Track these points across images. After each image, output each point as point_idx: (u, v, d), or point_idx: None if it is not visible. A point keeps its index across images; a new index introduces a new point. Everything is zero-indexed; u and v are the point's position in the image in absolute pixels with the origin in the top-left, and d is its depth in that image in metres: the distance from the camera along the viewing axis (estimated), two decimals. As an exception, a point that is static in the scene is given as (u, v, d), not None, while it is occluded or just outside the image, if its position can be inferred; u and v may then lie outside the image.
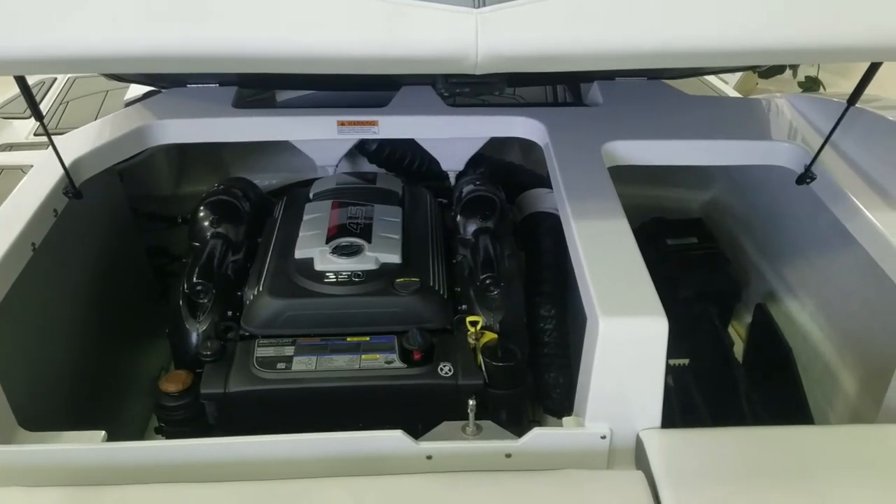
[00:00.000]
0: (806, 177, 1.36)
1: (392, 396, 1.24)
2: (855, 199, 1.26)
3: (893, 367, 1.18)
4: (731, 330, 1.90)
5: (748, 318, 1.84)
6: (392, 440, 1.06)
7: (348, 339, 1.30)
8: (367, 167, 1.86)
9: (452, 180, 1.76)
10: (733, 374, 1.50)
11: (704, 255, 1.77)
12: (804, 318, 1.67)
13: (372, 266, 1.34)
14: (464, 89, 1.12)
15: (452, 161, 1.71)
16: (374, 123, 1.55)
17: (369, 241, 1.38)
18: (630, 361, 1.04)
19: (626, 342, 1.04)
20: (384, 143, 1.75)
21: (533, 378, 1.57)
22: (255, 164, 2.00)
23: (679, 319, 1.80)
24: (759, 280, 1.84)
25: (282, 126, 1.55)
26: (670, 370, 1.80)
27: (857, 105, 1.27)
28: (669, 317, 1.82)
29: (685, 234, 1.84)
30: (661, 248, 1.81)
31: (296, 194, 1.61)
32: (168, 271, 1.87)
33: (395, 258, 1.36)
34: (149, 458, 1.05)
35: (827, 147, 1.35)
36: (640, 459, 1.06)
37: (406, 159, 1.78)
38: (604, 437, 1.07)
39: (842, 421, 1.49)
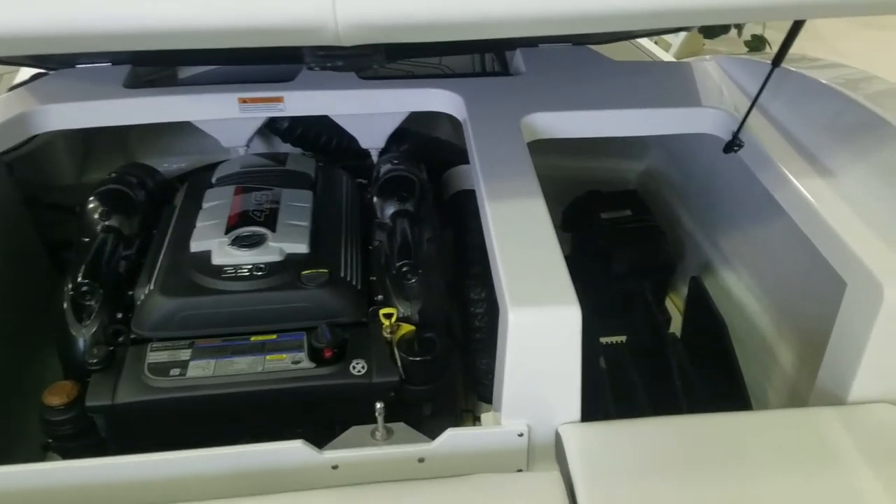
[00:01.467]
0: (734, 144, 1.30)
1: (300, 400, 1.14)
2: (783, 168, 1.20)
3: (829, 341, 1.13)
4: (669, 303, 1.85)
5: (686, 291, 1.79)
6: (292, 451, 0.97)
7: (252, 338, 1.19)
8: (285, 147, 1.74)
9: (374, 159, 1.65)
10: (666, 353, 1.44)
11: (638, 229, 1.70)
12: (740, 289, 1.62)
13: (276, 257, 1.23)
14: (336, 63, 1.01)
15: (371, 138, 1.60)
16: (279, 100, 1.42)
17: (273, 230, 1.27)
18: (543, 354, 0.97)
19: (538, 333, 0.96)
20: (296, 121, 1.63)
21: (465, 365, 1.50)
22: (163, 146, 1.86)
23: (614, 296, 1.77)
24: (696, 251, 1.79)
25: (177, 106, 1.42)
26: (606, 349, 1.76)
27: (785, 66, 1.20)
28: (604, 293, 1.78)
29: (619, 206, 1.77)
30: (595, 222, 1.73)
31: (198, 180, 1.49)
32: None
33: (301, 247, 1.26)
34: (11, 484, 0.94)
35: (755, 112, 1.29)
36: (560, 456, 0.99)
37: (322, 137, 1.66)
38: (521, 435, 1.00)
39: (779, 397, 1.45)
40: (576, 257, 1.85)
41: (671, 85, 1.48)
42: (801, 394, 1.38)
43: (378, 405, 1.01)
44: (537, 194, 1.13)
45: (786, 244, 1.44)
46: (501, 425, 1.00)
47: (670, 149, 1.93)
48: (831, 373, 1.09)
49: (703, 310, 1.55)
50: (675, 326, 1.74)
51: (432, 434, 1.00)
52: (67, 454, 1.17)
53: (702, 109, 1.38)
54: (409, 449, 0.99)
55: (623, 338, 1.71)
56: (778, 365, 1.46)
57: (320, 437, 1.21)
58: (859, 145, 1.17)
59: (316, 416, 1.18)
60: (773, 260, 1.52)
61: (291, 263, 1.23)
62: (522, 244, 1.05)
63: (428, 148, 1.73)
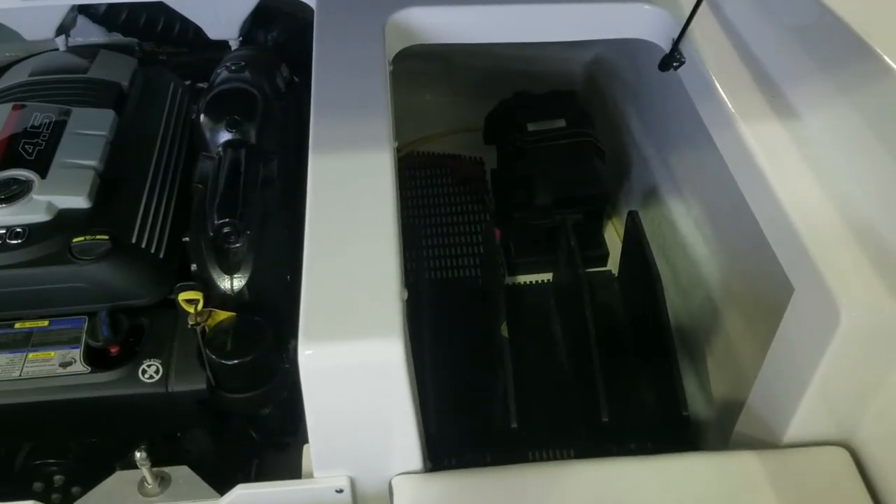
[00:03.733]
0: (672, 59, 0.94)
1: (76, 413, 0.87)
2: (728, 102, 0.85)
3: (781, 311, 0.84)
4: (612, 230, 1.54)
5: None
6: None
7: (17, 325, 0.89)
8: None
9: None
10: (584, 314, 1.16)
11: (570, 147, 1.36)
12: (688, 225, 1.31)
13: (41, 217, 0.90)
14: None
15: (220, 27, 1.22)
16: None
17: (43, 176, 0.93)
18: (359, 396, 0.68)
19: (345, 374, 0.66)
20: (119, 5, 1.23)
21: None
22: None
23: (539, 229, 1.45)
24: (643, 169, 1.45)
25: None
26: (532, 288, 1.48)
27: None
28: (526, 225, 1.46)
29: (552, 113, 1.41)
30: (520, 136, 1.38)
31: None
32: None
33: (79, 201, 0.92)
34: None
35: (706, 13, 0.91)
36: (398, 515, 0.73)
37: (158, 24, 1.26)
38: (340, 491, 0.73)
39: (720, 370, 1.18)
40: (499, 177, 1.52)
41: None
42: (745, 370, 1.11)
43: (138, 454, 0.73)
44: (385, 155, 0.79)
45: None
46: (313, 479, 0.73)
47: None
48: (766, 396, 0.81)
49: (637, 254, 1.26)
50: (615, 261, 1.45)
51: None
52: None
53: (634, 6, 1.00)
54: (185, 511, 0.73)
55: (549, 276, 1.43)
56: (722, 329, 1.18)
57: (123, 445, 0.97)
58: (836, 80, 0.81)
59: (101, 429, 0.91)
60: (731, 195, 1.19)
61: (63, 225, 0.90)
62: (344, 237, 0.72)
63: (306, 38, 1.34)
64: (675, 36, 0.94)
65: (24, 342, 0.88)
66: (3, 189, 0.91)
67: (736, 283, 1.17)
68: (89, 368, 0.86)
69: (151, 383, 0.86)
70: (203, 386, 0.87)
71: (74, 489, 0.92)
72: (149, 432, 0.93)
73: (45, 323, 0.90)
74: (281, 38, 1.32)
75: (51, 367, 0.86)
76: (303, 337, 0.65)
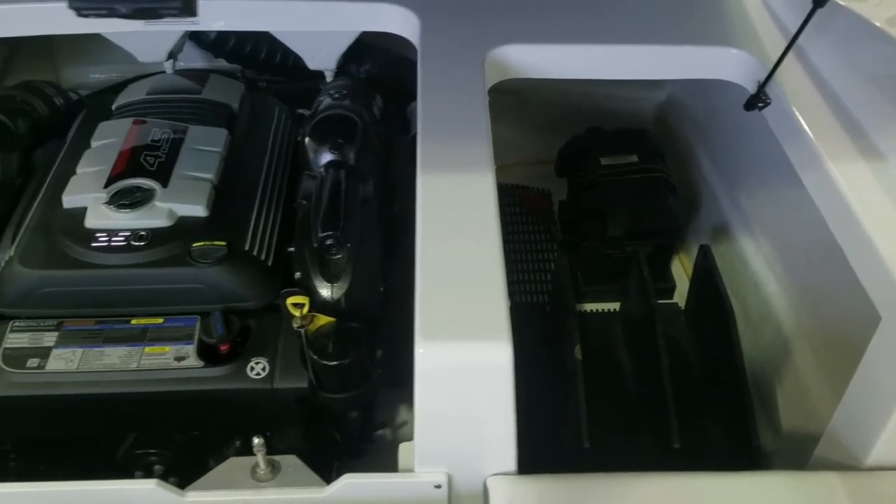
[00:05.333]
0: (758, 100, 0.98)
1: (183, 405, 0.93)
2: (816, 143, 0.89)
3: (858, 346, 0.86)
4: (678, 265, 1.57)
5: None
6: (146, 493, 0.77)
7: (133, 321, 0.96)
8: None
9: (329, 80, 1.36)
10: (656, 343, 1.19)
11: (643, 181, 1.41)
12: (758, 262, 1.34)
13: (162, 222, 0.98)
14: (116, 8, 0.70)
15: (319, 58, 1.31)
16: None
17: (164, 185, 1.01)
18: (464, 397, 0.73)
19: (455, 374, 0.71)
20: (227, 33, 1.33)
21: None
22: (91, 51, 1.58)
23: (609, 260, 1.50)
24: (713, 207, 1.49)
25: (55, 17, 1.12)
26: (596, 317, 1.51)
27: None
28: (596, 255, 1.50)
29: (625, 149, 1.46)
30: (593, 169, 1.44)
31: (97, 106, 1.21)
32: None
33: (198, 210, 1.00)
34: None
35: (792, 58, 0.96)
36: (489, 514, 0.77)
37: (261, 52, 1.36)
38: (439, 487, 0.78)
39: (788, 401, 1.20)
40: (569, 209, 1.57)
41: (687, 13, 1.13)
42: (816, 406, 1.12)
43: (256, 440, 0.79)
44: (487, 176, 0.85)
45: (821, 217, 1.15)
46: (414, 473, 0.78)
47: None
48: (848, 422, 0.83)
49: (709, 288, 1.29)
50: (682, 295, 1.48)
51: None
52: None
53: (721, 50, 1.05)
54: (296, 495, 0.78)
55: (615, 306, 1.46)
56: (792, 365, 1.20)
57: (220, 439, 1.03)
58: None
59: (205, 422, 0.98)
60: (803, 233, 1.22)
61: (183, 231, 0.98)
62: (453, 248, 0.78)
63: (395, 71, 1.42)
64: (760, 78, 0.99)
65: (141, 337, 0.95)
66: (128, 195, 0.99)
67: (807, 318, 1.19)
68: (202, 363, 0.92)
69: (258, 380, 0.92)
70: (305, 385, 0.93)
71: (172, 479, 0.98)
72: (248, 427, 0.99)
73: (160, 320, 0.97)
74: (373, 71, 1.40)
75: (166, 361, 0.93)
76: (420, 337, 0.70)
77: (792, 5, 1.11)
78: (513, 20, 1.08)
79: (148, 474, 1.00)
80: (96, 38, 1.51)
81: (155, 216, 0.98)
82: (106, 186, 1.00)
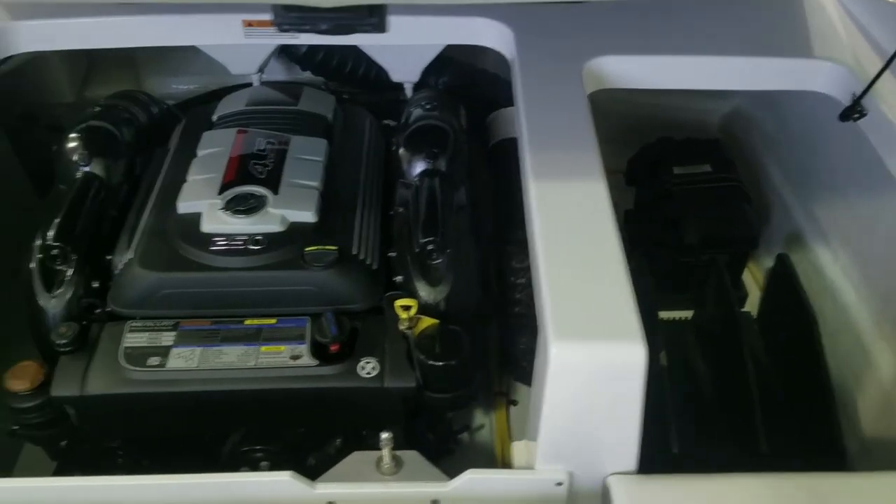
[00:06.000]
0: (854, 111, 1.00)
1: (298, 402, 0.97)
2: None
3: None
4: (747, 275, 1.59)
5: (769, 262, 1.53)
6: (281, 484, 0.80)
7: (247, 322, 1.01)
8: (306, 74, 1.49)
9: (408, 93, 1.40)
10: (741, 349, 1.21)
11: (718, 190, 1.43)
12: (835, 272, 1.35)
13: (276, 227, 1.02)
14: (318, 25, 0.75)
15: (403, 71, 1.35)
16: None
17: (275, 192, 1.06)
18: (594, 397, 0.75)
19: (588, 374, 0.74)
20: (317, 45, 1.38)
21: (501, 342, 1.30)
22: (171, 62, 1.64)
23: (684, 268, 1.51)
24: (785, 217, 1.50)
25: (174, 28, 1.18)
26: (667, 327, 1.53)
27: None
28: (670, 263, 1.52)
29: (697, 159, 1.49)
30: (666, 178, 1.46)
31: (197, 117, 1.27)
32: None
33: (308, 216, 1.04)
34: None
35: (887, 71, 0.98)
36: (609, 511, 0.80)
37: (347, 65, 1.41)
38: (560, 484, 0.80)
39: (871, 410, 1.21)
40: (639, 217, 1.59)
41: (777, 26, 1.16)
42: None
43: (384, 435, 0.82)
44: (599, 177, 0.88)
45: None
46: (535, 470, 0.81)
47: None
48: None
49: (789, 296, 1.30)
50: (752, 304, 1.49)
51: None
52: (36, 442, 1.04)
53: (815, 62, 1.07)
54: (421, 489, 0.81)
55: (689, 314, 1.48)
56: (874, 372, 1.21)
57: (321, 436, 1.07)
58: None
59: (315, 419, 1.02)
60: (882, 242, 1.24)
61: (295, 236, 1.02)
62: (576, 249, 0.81)
63: (472, 83, 1.46)
64: (854, 90, 1.02)
65: (256, 337, 0.99)
66: (243, 202, 1.04)
67: (891, 327, 1.21)
68: (317, 362, 0.96)
69: (369, 378, 0.95)
70: (413, 384, 0.96)
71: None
72: (355, 425, 1.02)
73: (273, 321, 1.01)
74: (452, 83, 1.44)
75: (282, 359, 0.96)
76: (553, 337, 0.73)
77: (876, 13, 1.14)
78: (607, 32, 1.11)
79: (254, 470, 1.04)
80: (178, 50, 1.58)
81: (269, 222, 1.02)
82: (220, 193, 1.05)
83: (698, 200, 1.41)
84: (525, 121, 0.98)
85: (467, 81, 1.46)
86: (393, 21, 1.17)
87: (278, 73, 1.56)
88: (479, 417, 1.27)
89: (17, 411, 0.97)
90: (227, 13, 1.17)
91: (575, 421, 0.77)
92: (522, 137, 0.97)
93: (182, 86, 1.62)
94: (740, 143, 1.67)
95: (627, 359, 0.72)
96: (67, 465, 1.08)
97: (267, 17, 1.17)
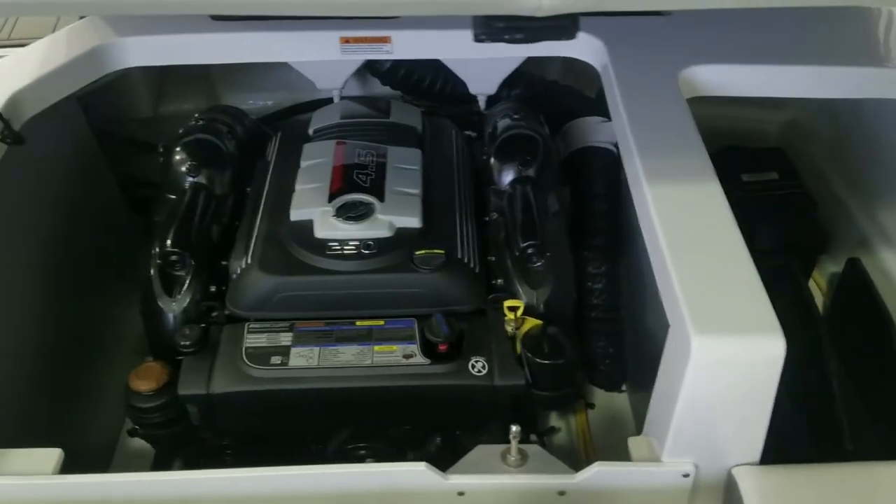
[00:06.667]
0: None
1: (412, 399, 1.01)
2: None
3: None
4: (811, 284, 1.62)
5: (831, 269, 1.56)
6: (414, 474, 0.84)
7: (357, 323, 1.05)
8: (381, 88, 1.55)
9: (482, 105, 1.45)
10: (820, 350, 1.24)
11: (787, 196, 1.47)
12: (905, 276, 1.39)
13: (385, 233, 1.07)
14: (515, 35, 0.80)
15: (482, 83, 1.40)
16: (385, 40, 1.23)
17: (381, 199, 1.10)
18: (729, 390, 0.79)
19: (727, 367, 0.78)
20: (400, 61, 1.43)
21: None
22: (247, 78, 1.69)
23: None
24: (849, 226, 1.54)
25: (272, 45, 1.24)
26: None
27: None
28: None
29: (763, 167, 1.53)
30: (735, 185, 1.50)
31: (292, 129, 1.32)
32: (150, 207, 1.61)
33: (413, 222, 1.09)
34: (111, 495, 0.85)
35: None
36: (730, 500, 0.83)
37: (426, 80, 1.46)
38: (686, 476, 0.84)
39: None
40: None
41: (871, 36, 1.20)
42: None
43: (514, 427, 0.86)
44: (712, 177, 0.93)
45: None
46: (663, 462, 0.84)
47: (823, 98, 1.65)
48: None
49: (861, 300, 1.34)
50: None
51: None
52: (155, 441, 1.08)
53: None
54: (549, 480, 0.85)
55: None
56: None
57: (423, 434, 1.10)
58: None
59: (425, 415, 1.05)
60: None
61: (403, 241, 1.07)
62: (700, 247, 0.85)
63: (545, 94, 1.51)
64: None
65: (368, 337, 1.03)
66: (353, 209, 1.09)
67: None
68: (429, 360, 1.00)
69: (480, 377, 0.99)
70: (522, 382, 1.00)
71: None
72: (458, 422, 1.06)
73: (381, 322, 1.05)
74: (525, 94, 1.49)
75: (396, 358, 1.01)
76: (694, 331, 0.77)
77: None
78: (697, 42, 1.16)
79: (359, 467, 1.08)
80: (255, 67, 1.64)
81: (378, 227, 1.07)
82: (330, 201, 1.10)
83: (769, 207, 1.45)
84: (629, 128, 1.02)
85: (538, 93, 1.51)
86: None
87: (355, 89, 1.61)
88: (553, 420, 1.31)
89: (140, 411, 1.02)
90: (325, 30, 1.22)
91: (707, 414, 0.80)
92: (627, 143, 1.01)
93: (258, 102, 1.67)
94: (798, 152, 1.71)
95: (767, 352, 0.76)
96: (167, 462, 1.13)
97: (363, 33, 1.23)
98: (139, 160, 1.58)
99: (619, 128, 1.05)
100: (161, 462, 1.16)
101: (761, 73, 1.11)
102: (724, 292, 0.80)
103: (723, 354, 0.77)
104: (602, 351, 1.30)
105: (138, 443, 1.38)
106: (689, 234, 0.87)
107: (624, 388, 1.39)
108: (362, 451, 1.08)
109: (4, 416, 1.05)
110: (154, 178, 1.59)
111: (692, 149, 0.97)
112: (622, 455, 0.89)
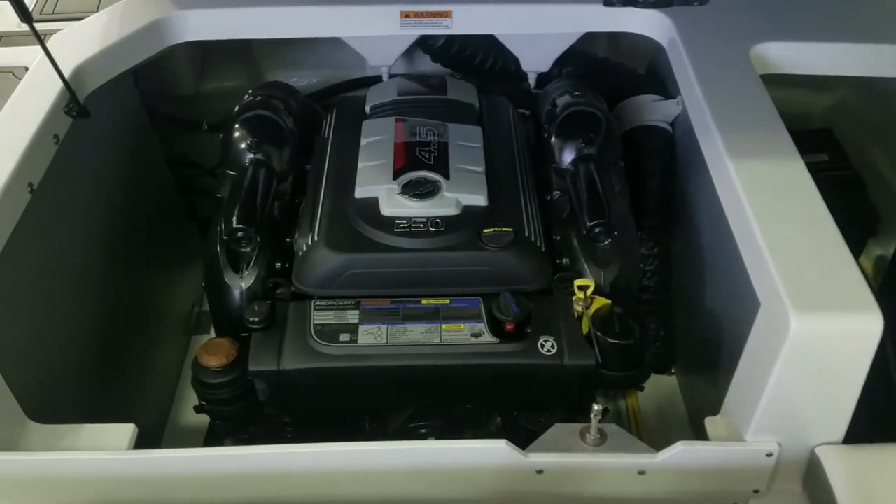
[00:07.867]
0: None
1: (481, 378, 1.01)
2: None
3: None
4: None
5: (877, 250, 1.56)
6: (495, 451, 0.84)
7: (424, 301, 1.04)
8: (427, 66, 1.53)
9: (532, 83, 1.44)
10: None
11: (838, 178, 1.46)
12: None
13: (452, 210, 1.06)
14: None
15: (536, 60, 1.39)
16: (446, 15, 1.22)
17: (447, 177, 1.10)
18: (824, 369, 0.79)
19: (824, 345, 0.77)
20: (453, 38, 1.41)
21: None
22: (291, 56, 1.67)
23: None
24: (894, 204, 1.53)
25: (331, 19, 1.22)
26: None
27: None
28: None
29: (813, 149, 1.51)
30: (784, 167, 1.49)
31: (347, 106, 1.31)
32: (195, 184, 1.60)
33: (479, 199, 1.08)
34: (186, 468, 0.85)
35: None
36: (812, 479, 0.83)
37: (477, 57, 1.44)
38: (770, 455, 0.84)
39: None
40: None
41: None
42: None
43: (596, 406, 0.86)
44: (794, 154, 0.92)
45: None
46: (747, 441, 0.84)
47: (870, 81, 1.63)
48: None
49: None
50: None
51: None
52: (221, 418, 1.08)
53: None
54: (629, 459, 0.85)
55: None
56: None
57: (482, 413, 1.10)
58: None
59: (493, 395, 1.05)
60: None
61: (470, 219, 1.06)
62: (790, 224, 0.85)
63: (596, 72, 1.49)
64: None
65: (434, 315, 1.03)
66: (419, 186, 1.08)
67: None
68: (497, 339, 1.00)
69: (549, 356, 0.99)
70: (591, 362, 0.99)
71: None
72: (534, 397, 1.05)
73: (447, 301, 1.04)
74: (577, 72, 1.47)
75: (464, 337, 1.00)
76: (793, 310, 0.76)
77: None
78: (761, 17, 1.14)
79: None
80: (299, 44, 1.62)
81: (445, 205, 1.06)
82: (395, 178, 1.09)
83: (820, 188, 1.44)
84: (706, 103, 1.01)
85: (592, 70, 1.49)
86: (550, 9, 1.20)
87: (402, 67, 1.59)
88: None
89: (208, 387, 1.02)
90: (385, 4, 1.21)
91: (796, 392, 0.80)
92: (704, 119, 1.00)
93: (302, 80, 1.65)
94: (844, 136, 1.69)
95: (865, 329, 0.76)
96: (222, 439, 1.13)
97: (424, 7, 1.21)
98: (180, 139, 1.57)
99: (693, 104, 1.04)
100: (215, 438, 1.16)
101: (836, 51, 1.10)
102: (819, 270, 0.80)
103: (821, 332, 0.76)
104: (653, 333, 1.30)
105: (187, 419, 1.40)
106: (778, 211, 0.86)
107: (673, 371, 1.39)
108: (423, 430, 1.08)
109: (61, 389, 1.05)
110: (194, 157, 1.59)
111: (772, 125, 0.96)
112: (673, 436, 0.89)
